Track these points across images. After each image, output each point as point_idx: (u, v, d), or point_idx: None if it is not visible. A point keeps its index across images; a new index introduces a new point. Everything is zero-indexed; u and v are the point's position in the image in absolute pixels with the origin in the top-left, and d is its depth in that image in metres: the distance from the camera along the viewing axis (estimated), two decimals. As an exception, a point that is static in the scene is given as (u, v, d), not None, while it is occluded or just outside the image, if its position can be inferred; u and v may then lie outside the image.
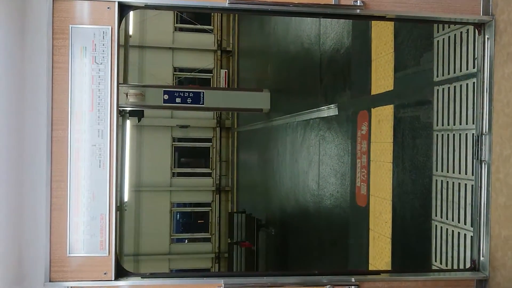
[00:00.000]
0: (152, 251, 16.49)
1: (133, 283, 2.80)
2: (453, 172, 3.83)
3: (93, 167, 2.73)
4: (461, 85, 3.76)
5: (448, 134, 3.93)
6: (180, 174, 17.48)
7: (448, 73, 3.96)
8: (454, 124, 3.84)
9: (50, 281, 2.70)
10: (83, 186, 2.72)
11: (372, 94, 5.47)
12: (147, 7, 2.91)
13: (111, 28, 2.74)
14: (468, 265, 3.29)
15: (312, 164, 7.73)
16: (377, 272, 3.30)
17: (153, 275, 2.86)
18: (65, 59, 2.71)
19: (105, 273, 2.75)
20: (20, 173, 2.68)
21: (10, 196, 2.58)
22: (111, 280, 2.75)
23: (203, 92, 10.70)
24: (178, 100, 10.45)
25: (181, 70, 17.57)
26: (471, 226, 3.49)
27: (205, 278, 2.87)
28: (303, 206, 8.32)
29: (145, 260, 16.30)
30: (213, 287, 2.83)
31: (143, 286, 2.81)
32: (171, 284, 2.84)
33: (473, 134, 3.24)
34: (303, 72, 8.75)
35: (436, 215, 4.09)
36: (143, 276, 2.84)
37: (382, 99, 5.18)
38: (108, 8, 2.74)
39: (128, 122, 9.75)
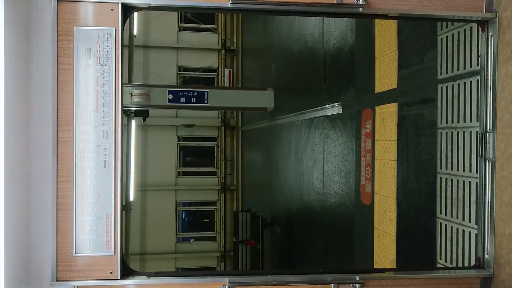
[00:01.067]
0: (158, 250, 16.55)
1: (139, 282, 2.82)
2: (457, 170, 3.83)
3: (98, 167, 2.76)
4: (465, 83, 3.75)
5: (452, 132, 3.92)
6: (185, 173, 17.53)
7: (452, 71, 3.95)
8: (458, 122, 3.83)
9: (57, 280, 2.74)
10: (89, 186, 2.75)
11: (376, 92, 5.46)
12: (151, 8, 2.94)
13: (115, 29, 2.77)
14: (472, 263, 3.29)
15: (316, 162, 7.73)
16: (382, 270, 3.31)
17: (158, 274, 2.88)
18: (70, 61, 2.74)
19: (111, 272, 2.78)
20: (27, 174, 2.71)
21: (17, 197, 2.61)
22: (117, 279, 2.78)
23: (208, 91, 10.72)
24: (182, 99, 10.47)
25: (186, 69, 17.60)
26: (476, 223, 3.49)
27: (210, 277, 2.90)
28: (308, 205, 8.33)
29: (151, 259, 16.36)
30: (218, 286, 2.85)
31: (148, 285, 2.84)
32: (177, 282, 2.86)
33: (477, 131, 3.24)
34: (307, 71, 8.75)
35: (440, 213, 4.08)
36: (149, 275, 2.87)
37: (386, 97, 5.17)
38: (112, 9, 2.77)
39: (133, 122, 9.78)
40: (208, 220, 17.95)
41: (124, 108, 2.88)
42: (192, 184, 17.37)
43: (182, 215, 17.88)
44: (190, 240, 17.89)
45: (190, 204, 18.00)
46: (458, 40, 3.85)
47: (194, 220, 18.17)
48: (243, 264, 11.97)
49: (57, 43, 2.72)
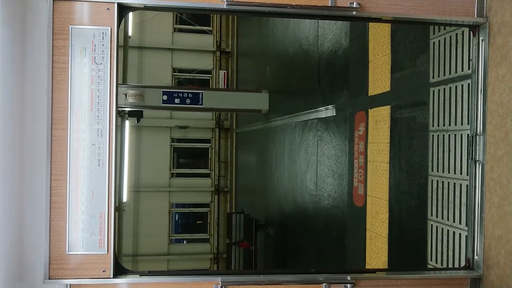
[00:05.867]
0: (151, 252, 16.50)
1: (132, 281, 2.83)
2: (448, 172, 3.87)
3: (92, 166, 2.77)
4: (456, 86, 3.80)
5: (443, 135, 3.97)
6: (179, 175, 17.50)
7: (444, 75, 4.00)
8: (450, 125, 3.88)
9: (49, 278, 2.73)
10: (83, 185, 2.76)
11: (369, 95, 5.51)
12: (146, 8, 2.95)
13: (111, 29, 2.78)
14: (462, 264, 3.33)
15: (310, 164, 7.77)
16: (373, 271, 3.34)
17: (151, 273, 2.89)
18: (65, 59, 2.75)
19: (104, 271, 2.78)
20: (21, 171, 2.71)
21: (10, 195, 2.62)
22: (110, 278, 2.79)
23: (202, 93, 10.73)
24: (177, 100, 10.48)
25: (180, 71, 17.59)
26: (466, 225, 3.53)
27: (202, 276, 2.91)
28: (301, 207, 8.36)
29: (144, 261, 16.30)
30: (211, 285, 2.87)
31: (141, 283, 2.85)
32: (169, 282, 2.87)
33: (467, 134, 3.29)
34: (302, 73, 8.80)
35: (431, 215, 4.13)
36: (142, 274, 2.87)
37: (379, 100, 5.22)
38: (108, 9, 2.78)
39: (127, 123, 9.77)
40: (201, 222, 17.92)
41: (118, 109, 2.89)
42: (185, 186, 17.34)
43: (175, 216, 17.84)
44: (183, 241, 17.84)
45: (184, 205, 17.96)
46: (450, 44, 3.90)
47: (188, 222, 18.13)
48: (236, 265, 11.97)
49: (53, 42, 2.73)
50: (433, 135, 4.14)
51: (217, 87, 16.68)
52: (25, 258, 2.73)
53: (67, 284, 2.77)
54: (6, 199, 2.57)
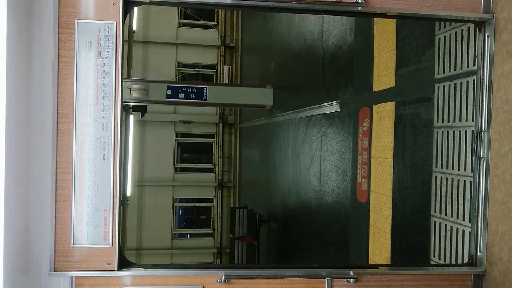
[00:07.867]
0: (154, 246, 16.58)
1: (136, 274, 2.86)
2: (452, 169, 3.87)
3: (97, 159, 2.78)
4: (461, 83, 3.79)
5: (448, 131, 3.96)
6: (182, 170, 17.54)
7: (449, 71, 3.99)
8: (454, 121, 3.88)
9: (54, 270, 2.76)
10: (88, 178, 2.78)
11: (373, 91, 5.50)
12: (151, 2, 2.96)
13: (116, 23, 2.79)
14: (465, 260, 3.33)
15: (313, 160, 7.77)
16: (376, 266, 3.35)
17: (155, 266, 2.91)
18: (71, 54, 2.76)
19: (108, 264, 2.81)
20: (26, 165, 2.73)
21: (16, 188, 2.64)
22: (114, 271, 2.81)
23: (206, 87, 10.74)
24: (181, 95, 10.49)
25: (185, 65, 17.58)
26: (469, 222, 3.53)
27: (206, 270, 2.93)
28: (305, 202, 8.37)
29: (147, 255, 16.39)
30: (214, 279, 2.88)
31: (145, 276, 2.87)
32: (173, 275, 2.89)
33: (472, 131, 3.28)
34: (306, 69, 8.78)
35: (435, 211, 4.13)
36: (146, 267, 2.90)
37: (384, 96, 5.21)
38: (113, 3, 2.79)
39: (131, 117, 9.79)
40: (204, 216, 17.98)
41: (123, 103, 2.91)
42: (189, 181, 17.38)
43: (179, 211, 17.91)
44: (186, 236, 17.92)
45: (187, 200, 18.02)
46: (456, 40, 3.89)
47: (191, 217, 18.20)
48: (239, 260, 12.02)
49: (58, 36, 2.74)
50: (437, 132, 4.13)
51: (221, 82, 16.67)
52: (31, 250, 2.76)
53: (72, 277, 2.80)
54: (12, 192, 2.59)
